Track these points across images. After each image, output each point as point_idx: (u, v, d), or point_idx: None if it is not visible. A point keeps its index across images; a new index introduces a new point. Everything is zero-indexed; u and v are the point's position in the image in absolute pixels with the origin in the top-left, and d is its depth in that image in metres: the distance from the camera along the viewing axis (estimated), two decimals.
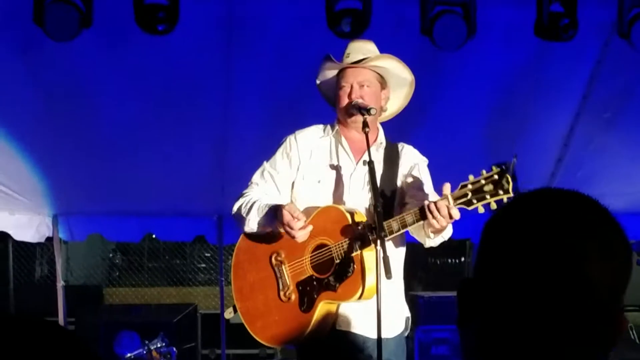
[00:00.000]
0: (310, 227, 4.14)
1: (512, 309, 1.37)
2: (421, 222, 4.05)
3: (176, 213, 8.44)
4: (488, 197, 3.92)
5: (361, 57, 4.42)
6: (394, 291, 4.30)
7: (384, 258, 3.87)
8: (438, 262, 14.25)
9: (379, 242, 3.90)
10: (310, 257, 4.25)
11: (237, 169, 7.50)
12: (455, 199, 3.96)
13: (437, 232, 4.12)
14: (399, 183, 4.38)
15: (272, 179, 4.47)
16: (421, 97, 7.54)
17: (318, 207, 4.30)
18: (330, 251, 4.17)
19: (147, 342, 7.96)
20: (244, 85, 7.32)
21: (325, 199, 4.34)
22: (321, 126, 4.57)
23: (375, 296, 3.96)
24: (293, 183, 4.47)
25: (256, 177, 4.53)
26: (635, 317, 9.80)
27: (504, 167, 3.90)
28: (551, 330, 1.35)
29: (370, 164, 4.09)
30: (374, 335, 4.00)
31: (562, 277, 1.35)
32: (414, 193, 4.29)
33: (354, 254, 4.11)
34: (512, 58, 7.36)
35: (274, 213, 4.20)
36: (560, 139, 8.16)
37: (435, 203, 3.95)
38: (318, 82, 4.60)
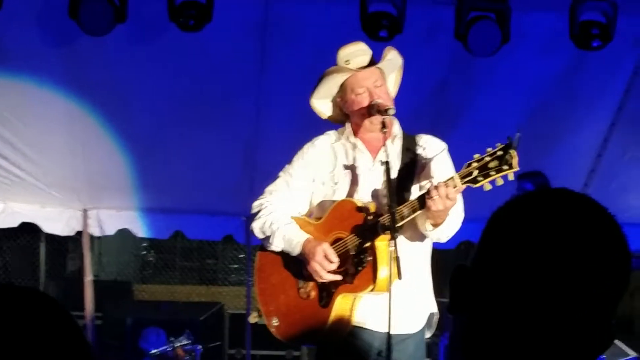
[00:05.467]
0: (339, 277, 4.15)
1: (504, 303, 1.36)
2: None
3: (205, 212, 8.46)
4: (493, 173, 3.87)
5: (366, 59, 4.39)
6: (415, 286, 4.26)
7: (395, 258, 3.86)
8: None
9: (392, 242, 3.88)
10: None
11: (266, 171, 7.48)
12: (461, 177, 3.92)
13: (436, 224, 4.08)
14: (418, 174, 4.33)
15: (287, 186, 4.46)
16: (454, 102, 7.59)
17: (334, 201, 4.29)
18: (346, 244, 4.16)
19: (172, 339, 8.00)
20: (277, 87, 7.32)
21: (342, 197, 4.33)
22: (333, 132, 4.55)
23: (398, 294, 3.97)
24: (311, 190, 4.45)
25: (273, 185, 4.52)
26: None
27: (508, 142, 3.85)
28: (538, 331, 1.35)
29: (387, 163, 4.07)
30: (392, 331, 3.98)
31: (557, 280, 1.34)
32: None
33: (366, 245, 4.09)
34: (546, 66, 7.32)
35: (301, 248, 4.23)
36: (594, 150, 8.10)
37: (436, 183, 3.92)
38: (314, 99, 4.56)
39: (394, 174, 4.19)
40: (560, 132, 7.81)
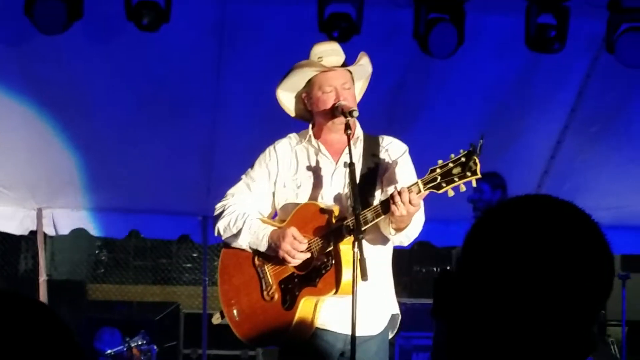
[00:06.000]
0: (308, 254, 4.18)
1: (487, 309, 1.37)
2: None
3: (161, 211, 8.43)
4: (456, 179, 3.94)
5: (340, 60, 4.40)
6: (378, 288, 4.29)
7: (360, 260, 3.89)
8: (423, 269, 14.26)
9: (356, 244, 3.91)
10: None
11: (223, 171, 7.52)
12: (425, 183, 3.98)
13: (399, 228, 4.14)
14: (381, 176, 4.36)
15: (248, 189, 4.47)
16: (411, 103, 7.63)
17: (297, 204, 4.31)
18: (310, 247, 4.18)
19: (127, 339, 7.96)
20: (234, 87, 7.32)
21: (305, 201, 4.35)
22: (294, 134, 4.55)
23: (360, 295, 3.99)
24: (274, 193, 4.46)
25: (235, 188, 4.51)
26: (616, 332, 9.82)
27: (471, 149, 3.90)
28: (520, 337, 1.35)
29: (351, 166, 4.10)
30: (356, 333, 4.00)
31: (540, 287, 1.35)
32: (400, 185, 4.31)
33: (330, 249, 4.11)
34: (501, 68, 7.39)
35: (269, 238, 4.25)
36: (548, 151, 8.19)
37: (399, 189, 3.97)
38: (280, 89, 4.54)
39: (357, 177, 4.22)
40: (515, 133, 7.89)
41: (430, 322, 8.23)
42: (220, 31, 6.94)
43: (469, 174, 3.90)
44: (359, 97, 4.56)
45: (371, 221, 4.06)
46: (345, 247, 4.08)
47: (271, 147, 4.51)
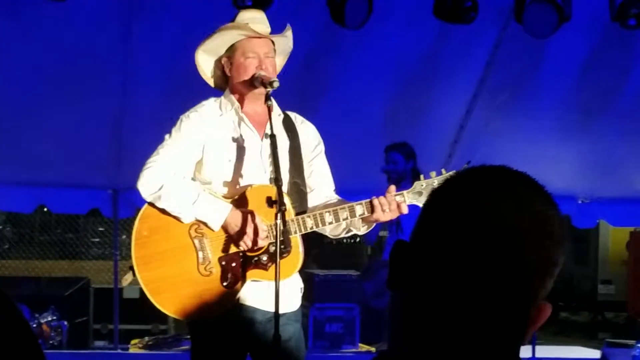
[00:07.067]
0: (267, 242, 4.17)
1: (441, 278, 1.37)
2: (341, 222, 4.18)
3: (70, 185, 8.28)
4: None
5: (266, 29, 4.33)
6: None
7: (283, 232, 3.89)
8: (333, 241, 14.34)
9: (279, 215, 3.89)
10: None
11: (133, 143, 7.44)
12: (410, 194, 4.16)
13: (369, 226, 4.27)
14: (304, 155, 4.36)
15: (177, 152, 4.22)
16: (322, 74, 7.63)
17: (246, 185, 4.22)
18: (268, 233, 4.13)
19: (37, 315, 7.84)
20: (143, 58, 7.23)
21: (240, 177, 4.25)
22: (214, 102, 4.39)
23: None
24: (200, 162, 4.34)
25: (164, 150, 4.24)
26: None
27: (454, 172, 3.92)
28: (474, 305, 1.36)
29: (272, 137, 4.06)
30: (273, 310, 3.99)
31: (493, 253, 1.35)
32: (318, 186, 4.36)
33: (291, 236, 4.11)
34: (411, 39, 7.43)
35: (229, 218, 4.16)
36: (457, 121, 8.28)
37: (385, 198, 4.11)
38: (201, 51, 4.37)
39: (283, 150, 4.20)
40: (425, 103, 7.96)
41: (344, 293, 8.32)
42: (128, 2, 6.83)
43: None
44: (278, 71, 4.51)
45: (353, 217, 4.17)
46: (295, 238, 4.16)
47: (193, 111, 4.34)
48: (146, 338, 8.72)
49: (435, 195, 1.47)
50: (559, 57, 7.68)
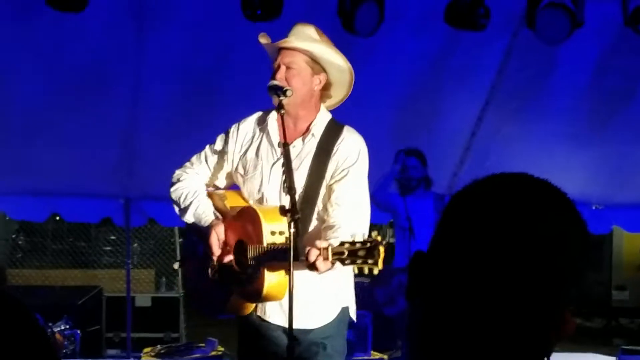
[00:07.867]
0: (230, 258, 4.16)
1: (461, 289, 1.35)
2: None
3: (83, 194, 8.31)
4: (359, 262, 3.80)
5: (304, 45, 4.25)
6: (322, 280, 4.09)
7: (295, 241, 3.81)
8: None
9: (292, 224, 3.84)
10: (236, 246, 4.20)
11: (145, 152, 7.46)
12: (333, 253, 3.81)
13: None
14: (325, 183, 4.23)
15: (206, 162, 4.39)
16: None
17: (244, 203, 4.24)
18: (247, 252, 4.09)
19: (50, 324, 7.84)
20: (155, 68, 7.23)
21: (262, 191, 4.25)
22: (261, 113, 4.40)
23: (300, 288, 3.94)
24: (231, 172, 4.37)
25: (195, 156, 4.44)
26: None
27: (379, 239, 3.82)
28: (494, 316, 1.34)
29: (285, 145, 4.02)
30: (296, 326, 3.95)
31: (518, 263, 1.33)
32: (326, 210, 4.21)
33: (261, 268, 4.01)
34: (422, 45, 7.41)
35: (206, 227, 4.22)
36: (469, 128, 8.25)
37: (311, 248, 3.84)
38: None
39: (304, 172, 4.16)
40: (437, 110, 7.94)
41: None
42: (139, 11, 6.84)
43: (370, 261, 3.78)
44: (348, 90, 4.48)
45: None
46: (273, 274, 4.01)
47: (235, 125, 4.38)
48: (158, 346, 8.72)
49: (456, 203, 1.44)
50: (571, 63, 7.65)
